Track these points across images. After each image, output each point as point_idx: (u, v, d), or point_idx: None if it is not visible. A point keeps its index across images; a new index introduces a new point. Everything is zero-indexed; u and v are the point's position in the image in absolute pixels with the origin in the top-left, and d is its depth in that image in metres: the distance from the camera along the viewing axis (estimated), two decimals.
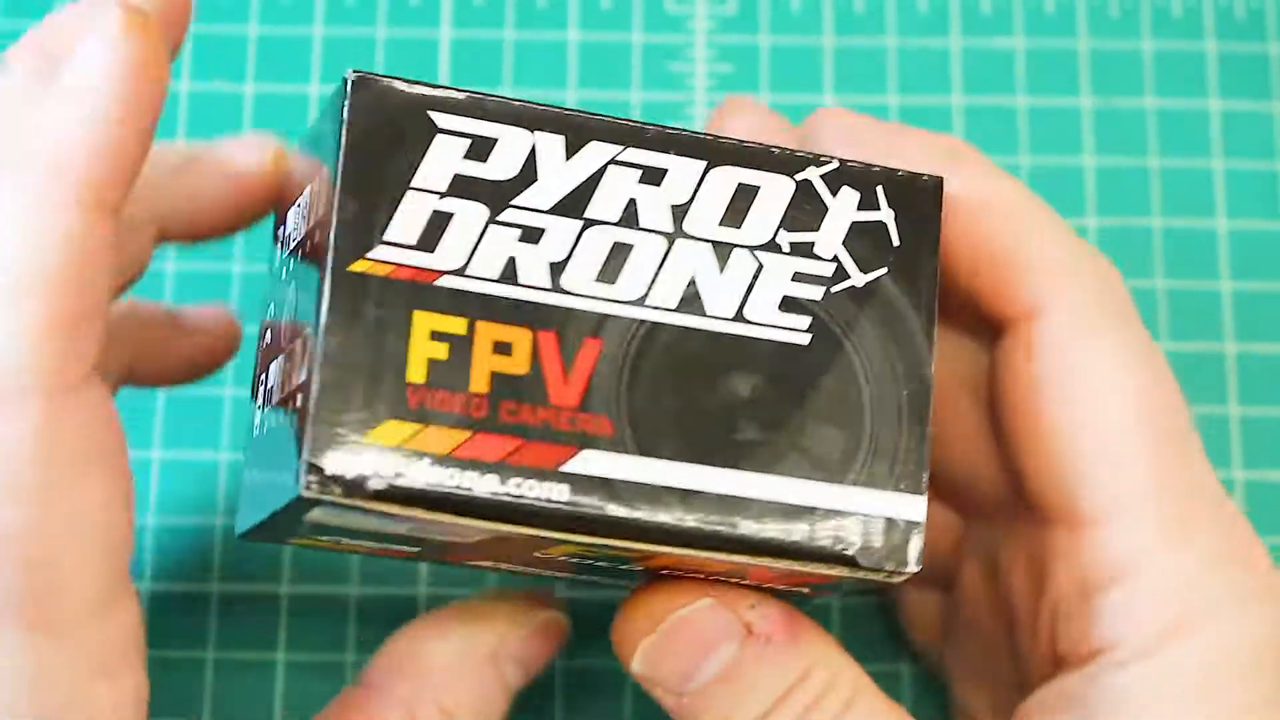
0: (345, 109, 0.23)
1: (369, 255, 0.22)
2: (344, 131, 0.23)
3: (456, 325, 0.23)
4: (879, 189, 0.25)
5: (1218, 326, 0.36)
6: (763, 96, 0.37)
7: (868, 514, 0.24)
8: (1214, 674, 0.25)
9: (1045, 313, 0.26)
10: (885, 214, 0.25)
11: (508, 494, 0.22)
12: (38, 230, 0.22)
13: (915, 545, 0.24)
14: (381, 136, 0.23)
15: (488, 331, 0.23)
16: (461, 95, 0.23)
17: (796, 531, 0.23)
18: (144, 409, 0.35)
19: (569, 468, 0.23)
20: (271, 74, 0.37)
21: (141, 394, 0.35)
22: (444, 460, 0.22)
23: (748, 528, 0.23)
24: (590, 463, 0.23)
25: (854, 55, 0.38)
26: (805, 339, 0.24)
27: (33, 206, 0.22)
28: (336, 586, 0.34)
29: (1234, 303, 0.36)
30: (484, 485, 0.22)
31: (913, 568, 0.24)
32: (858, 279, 0.24)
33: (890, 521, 0.24)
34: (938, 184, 0.25)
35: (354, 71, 0.23)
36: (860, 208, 0.25)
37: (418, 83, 0.23)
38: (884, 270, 0.24)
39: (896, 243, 0.25)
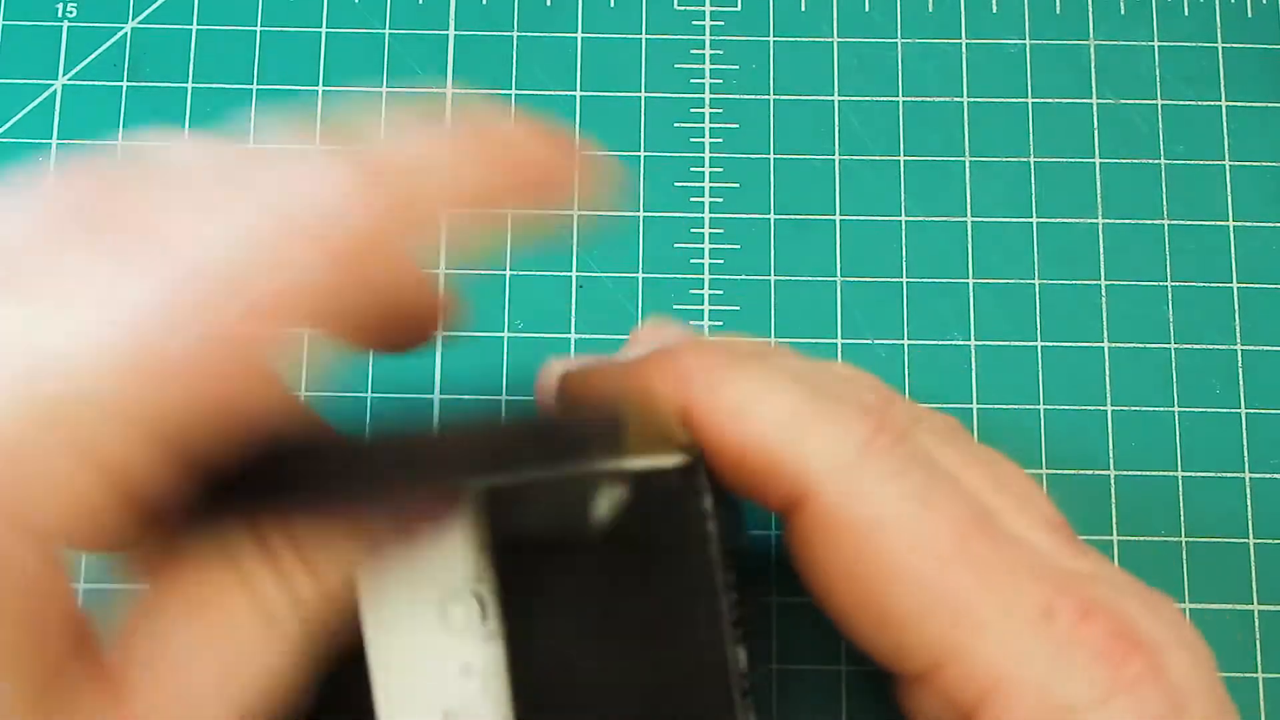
0: None
1: None
2: None
3: None
4: None
5: (1227, 327, 0.36)
6: (768, 96, 0.37)
7: None
8: None
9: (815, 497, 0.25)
10: None
11: None
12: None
13: None
14: None
15: None
16: None
17: None
18: None
19: None
20: (278, 74, 0.37)
21: None
22: None
23: None
24: None
25: (861, 53, 0.38)
26: None
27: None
28: None
29: (1241, 303, 0.36)
30: None
31: None
32: None
33: None
34: None
35: None
36: None
37: None
38: None
39: None
